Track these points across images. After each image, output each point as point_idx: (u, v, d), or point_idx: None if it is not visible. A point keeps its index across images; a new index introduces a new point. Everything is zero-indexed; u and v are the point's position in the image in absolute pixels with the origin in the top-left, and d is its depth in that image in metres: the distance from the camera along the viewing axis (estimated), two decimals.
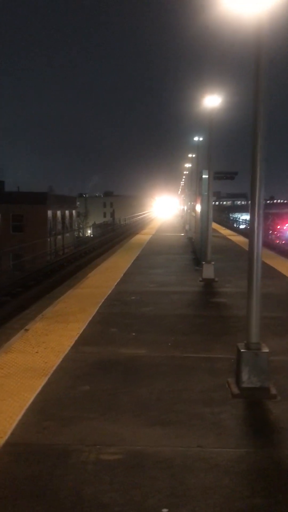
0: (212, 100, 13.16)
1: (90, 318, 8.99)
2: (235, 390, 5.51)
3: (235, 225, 53.62)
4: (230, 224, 54.16)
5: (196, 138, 24.32)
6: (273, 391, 5.50)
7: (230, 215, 73.62)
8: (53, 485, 3.78)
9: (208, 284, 12.89)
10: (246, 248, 6.01)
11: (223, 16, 5.92)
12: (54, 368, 6.29)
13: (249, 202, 5.86)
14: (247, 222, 48.08)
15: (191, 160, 32.58)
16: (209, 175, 13.78)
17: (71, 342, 7.46)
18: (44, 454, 4.21)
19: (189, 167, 36.53)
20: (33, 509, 3.49)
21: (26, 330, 8.17)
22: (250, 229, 5.67)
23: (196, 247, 19.13)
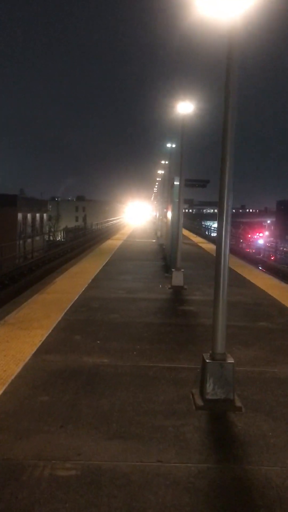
0: (184, 107, 13.13)
1: (54, 325, 8.74)
2: (199, 401, 5.38)
3: (206, 233, 53.95)
4: (202, 231, 54.46)
5: (169, 145, 24.32)
6: (238, 403, 5.39)
7: (202, 223, 74.12)
8: (4, 504, 3.55)
9: (177, 292, 12.80)
10: None
11: (197, 24, 5.84)
12: (12, 377, 6.03)
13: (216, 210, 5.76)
14: None
15: (164, 166, 32.60)
16: (180, 182, 13.73)
17: (33, 349, 7.21)
18: None
19: (162, 173, 36.55)
20: None
21: None
22: (218, 236, 5.58)
23: (166, 253, 19.05)
